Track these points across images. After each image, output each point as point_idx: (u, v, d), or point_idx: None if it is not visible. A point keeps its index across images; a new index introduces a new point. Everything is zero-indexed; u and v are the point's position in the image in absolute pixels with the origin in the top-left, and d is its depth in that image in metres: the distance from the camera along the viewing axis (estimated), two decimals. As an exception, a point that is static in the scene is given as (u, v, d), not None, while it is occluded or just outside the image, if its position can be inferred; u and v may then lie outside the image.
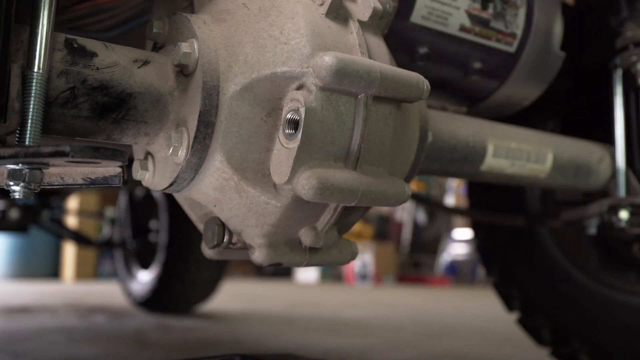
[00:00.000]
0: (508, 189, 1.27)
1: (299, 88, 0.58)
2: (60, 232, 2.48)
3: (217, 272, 2.31)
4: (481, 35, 0.81)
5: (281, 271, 6.15)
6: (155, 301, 2.34)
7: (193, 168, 0.61)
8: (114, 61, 0.59)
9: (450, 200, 6.20)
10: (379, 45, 0.64)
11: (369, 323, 2.32)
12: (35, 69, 0.53)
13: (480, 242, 1.39)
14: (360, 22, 0.63)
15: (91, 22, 0.85)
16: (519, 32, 0.84)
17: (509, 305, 1.32)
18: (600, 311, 1.16)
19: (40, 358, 1.32)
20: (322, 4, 0.61)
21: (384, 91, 0.58)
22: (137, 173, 0.67)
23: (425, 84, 0.61)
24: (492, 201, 1.34)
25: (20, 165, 0.51)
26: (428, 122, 0.74)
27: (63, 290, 3.55)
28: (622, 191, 1.02)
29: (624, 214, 0.99)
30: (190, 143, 0.60)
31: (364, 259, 5.69)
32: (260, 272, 6.18)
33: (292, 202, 0.59)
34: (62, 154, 0.47)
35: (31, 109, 0.53)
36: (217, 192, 0.62)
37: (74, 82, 0.57)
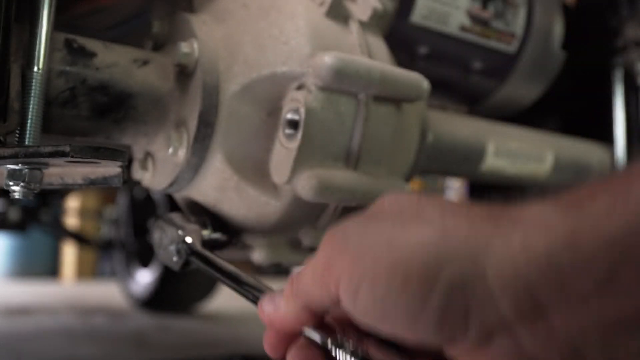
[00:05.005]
0: (509, 188, 1.27)
1: (299, 88, 0.57)
2: (60, 232, 2.48)
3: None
4: (481, 35, 0.81)
5: (281, 271, 6.15)
6: (155, 301, 2.33)
7: (193, 168, 0.61)
8: (114, 61, 0.59)
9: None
10: (379, 45, 0.64)
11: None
12: (35, 69, 0.53)
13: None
14: (361, 22, 0.63)
15: (91, 22, 0.85)
16: (519, 31, 0.84)
17: None
18: None
19: (41, 358, 1.32)
20: (322, 4, 0.61)
21: (384, 91, 0.58)
22: (137, 173, 0.67)
23: (426, 83, 0.61)
24: (492, 201, 1.33)
25: (20, 165, 0.51)
26: (428, 122, 0.74)
27: (63, 290, 3.54)
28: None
29: None
30: (190, 143, 0.59)
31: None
32: (259, 272, 6.18)
33: (292, 202, 0.59)
34: (62, 154, 0.47)
35: (31, 109, 0.53)
36: (217, 192, 0.62)
37: (74, 82, 0.56)
